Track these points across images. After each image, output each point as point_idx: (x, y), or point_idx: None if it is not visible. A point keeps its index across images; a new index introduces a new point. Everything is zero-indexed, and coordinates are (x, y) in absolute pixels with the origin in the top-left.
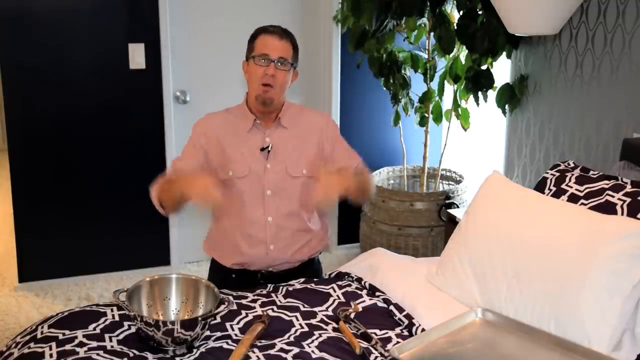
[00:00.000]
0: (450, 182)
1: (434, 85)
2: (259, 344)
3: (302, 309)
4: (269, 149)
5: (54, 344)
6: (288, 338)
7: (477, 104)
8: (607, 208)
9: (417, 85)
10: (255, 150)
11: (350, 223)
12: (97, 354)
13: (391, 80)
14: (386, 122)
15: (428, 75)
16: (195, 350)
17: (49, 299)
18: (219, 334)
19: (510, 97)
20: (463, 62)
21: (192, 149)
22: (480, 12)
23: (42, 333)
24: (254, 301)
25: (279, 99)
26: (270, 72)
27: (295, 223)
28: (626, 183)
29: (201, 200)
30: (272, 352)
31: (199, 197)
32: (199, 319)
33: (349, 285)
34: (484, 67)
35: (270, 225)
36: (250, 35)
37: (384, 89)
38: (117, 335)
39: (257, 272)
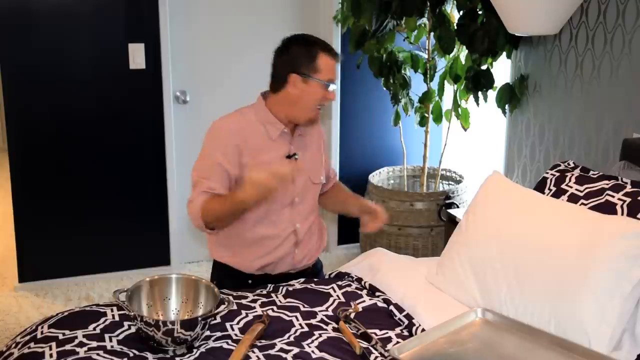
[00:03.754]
0: (450, 182)
1: (434, 85)
2: (259, 344)
3: (302, 309)
4: (296, 157)
5: (54, 344)
6: (288, 338)
7: (477, 104)
8: (607, 208)
9: (417, 85)
10: (282, 158)
11: (350, 223)
12: (97, 354)
13: (391, 80)
14: (386, 122)
15: (428, 75)
16: (195, 350)
17: (49, 299)
18: (219, 334)
19: (510, 97)
20: (463, 62)
21: (214, 164)
22: (480, 12)
23: (42, 333)
24: (254, 301)
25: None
26: (330, 97)
27: (313, 227)
28: (626, 183)
29: (275, 182)
30: (272, 352)
31: (270, 183)
32: (199, 319)
33: (349, 285)
34: (484, 67)
35: (298, 231)
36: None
37: (384, 89)
38: (117, 335)
39: (278, 275)
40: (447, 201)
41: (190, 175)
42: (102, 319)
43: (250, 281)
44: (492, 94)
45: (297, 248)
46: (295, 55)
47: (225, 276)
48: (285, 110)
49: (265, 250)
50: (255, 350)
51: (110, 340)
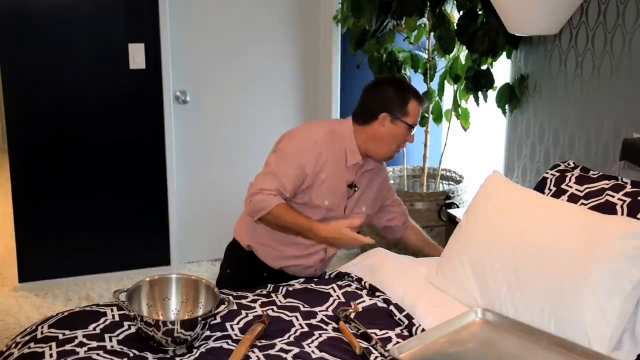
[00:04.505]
0: (450, 182)
1: (434, 85)
2: (259, 344)
3: (302, 309)
4: (356, 188)
5: (54, 344)
6: (288, 338)
7: (477, 104)
8: (607, 208)
9: (417, 85)
10: (344, 185)
11: None
12: (97, 354)
13: None
14: None
15: (428, 75)
16: (195, 350)
17: (49, 299)
18: (219, 334)
19: (510, 97)
20: (463, 62)
21: (298, 166)
22: (480, 12)
23: (42, 333)
24: (254, 301)
25: None
26: (410, 140)
27: None
28: (626, 183)
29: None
30: (272, 352)
31: (347, 244)
32: (199, 319)
33: (349, 285)
34: (484, 67)
35: (328, 250)
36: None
37: None
38: (117, 335)
39: (293, 276)
40: (447, 201)
41: (267, 159)
42: (102, 319)
43: (265, 274)
44: (492, 94)
45: (321, 263)
46: (389, 97)
47: (244, 262)
48: (367, 143)
49: (293, 254)
50: (255, 350)
51: (110, 340)
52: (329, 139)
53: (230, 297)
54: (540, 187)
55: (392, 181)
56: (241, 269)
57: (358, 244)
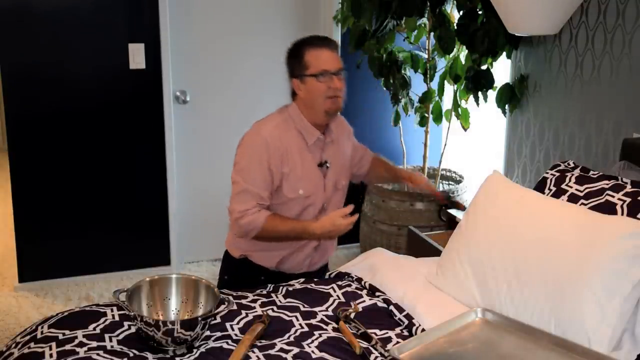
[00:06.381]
0: (450, 182)
1: (434, 85)
2: (259, 344)
3: (302, 309)
4: (328, 164)
5: (54, 344)
6: (288, 338)
7: (477, 104)
8: (607, 208)
9: (417, 85)
10: (314, 167)
11: None
12: (97, 354)
13: (391, 80)
14: (386, 122)
15: (428, 75)
16: (195, 350)
17: (49, 299)
18: (219, 334)
19: (510, 97)
20: (463, 62)
21: (262, 169)
22: (480, 12)
23: (42, 333)
24: (254, 301)
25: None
26: (334, 85)
27: None
28: (626, 183)
29: (338, 233)
30: (272, 352)
31: (343, 232)
32: (199, 319)
33: (349, 285)
34: (484, 67)
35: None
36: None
37: (384, 89)
38: (117, 335)
39: (291, 275)
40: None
41: (232, 178)
42: (102, 319)
43: (263, 277)
44: (492, 94)
45: (316, 252)
46: (288, 62)
47: (239, 270)
48: (306, 112)
49: (288, 245)
50: (255, 350)
51: (110, 340)
52: (282, 128)
53: (230, 297)
54: (540, 187)
55: None
56: (238, 275)
57: (352, 224)
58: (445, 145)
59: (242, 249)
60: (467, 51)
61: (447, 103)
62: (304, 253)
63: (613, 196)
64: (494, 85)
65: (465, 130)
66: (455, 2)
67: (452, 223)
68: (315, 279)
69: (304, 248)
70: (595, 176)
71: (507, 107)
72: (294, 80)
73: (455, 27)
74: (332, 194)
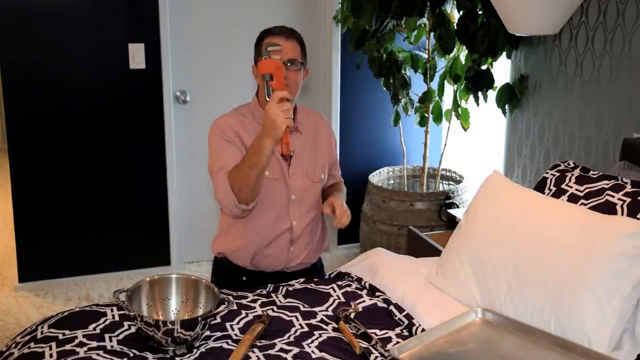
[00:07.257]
0: (450, 182)
1: (434, 85)
2: (259, 344)
3: (302, 309)
4: (292, 154)
5: (54, 344)
6: (288, 338)
7: (477, 104)
8: (607, 208)
9: (417, 85)
10: (277, 154)
11: (350, 223)
12: (97, 354)
13: (391, 80)
14: (386, 122)
15: (428, 75)
16: (195, 350)
17: (49, 299)
18: (219, 334)
19: (510, 97)
20: (463, 62)
21: (227, 145)
22: (480, 12)
23: (42, 333)
24: (254, 301)
25: (293, 100)
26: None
27: (314, 226)
28: (626, 183)
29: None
30: (272, 352)
31: (277, 113)
32: (199, 319)
33: (349, 285)
34: (484, 67)
35: (295, 229)
36: (255, 37)
37: (384, 89)
38: (117, 335)
39: (271, 273)
40: (447, 201)
41: (209, 175)
42: (102, 319)
43: (244, 278)
44: (492, 94)
45: (292, 246)
46: (254, 56)
47: (222, 272)
48: (262, 103)
49: (260, 239)
50: (255, 350)
51: (110, 340)
52: (237, 119)
53: (230, 297)
54: (540, 187)
55: (392, 181)
56: (222, 276)
57: (284, 105)
58: (445, 145)
59: (220, 247)
60: (467, 51)
61: (447, 103)
62: (279, 247)
63: (613, 196)
64: (494, 85)
65: (465, 130)
66: (455, 2)
67: (452, 223)
68: (315, 279)
69: (278, 240)
70: (595, 176)
71: (507, 107)
72: (253, 68)
73: (455, 27)
74: (305, 186)
